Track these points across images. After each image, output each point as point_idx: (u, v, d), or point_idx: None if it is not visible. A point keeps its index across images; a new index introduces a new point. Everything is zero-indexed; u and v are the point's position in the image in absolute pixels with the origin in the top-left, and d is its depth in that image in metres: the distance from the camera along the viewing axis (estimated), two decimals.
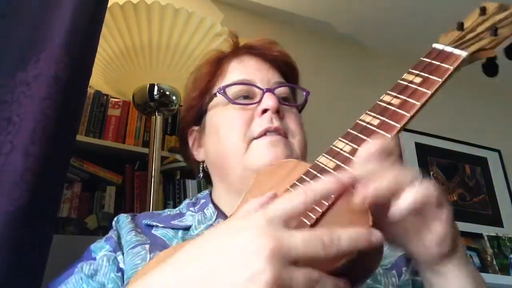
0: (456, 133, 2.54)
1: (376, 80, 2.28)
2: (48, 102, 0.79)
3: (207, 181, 0.76)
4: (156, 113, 1.40)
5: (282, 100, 0.68)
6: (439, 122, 2.43)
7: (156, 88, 1.37)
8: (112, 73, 1.39)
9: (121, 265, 0.59)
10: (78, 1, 0.89)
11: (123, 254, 0.60)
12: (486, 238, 2.30)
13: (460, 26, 0.55)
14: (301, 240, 0.32)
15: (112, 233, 0.65)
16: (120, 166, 1.54)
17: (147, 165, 1.40)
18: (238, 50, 0.74)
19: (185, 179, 1.58)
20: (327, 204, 0.41)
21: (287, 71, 0.75)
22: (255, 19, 2.26)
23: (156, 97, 1.37)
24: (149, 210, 1.29)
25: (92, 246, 0.63)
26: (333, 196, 0.41)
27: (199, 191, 1.55)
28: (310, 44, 2.42)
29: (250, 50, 0.73)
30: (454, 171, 2.53)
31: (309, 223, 0.40)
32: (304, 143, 0.67)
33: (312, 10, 2.31)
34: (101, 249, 0.61)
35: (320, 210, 0.40)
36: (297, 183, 0.46)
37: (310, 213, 0.40)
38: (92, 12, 0.92)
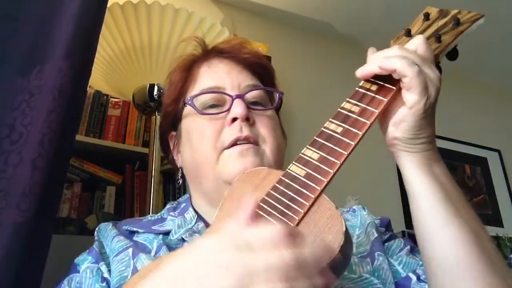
0: (456, 133, 2.54)
1: None
2: (54, 116, 0.81)
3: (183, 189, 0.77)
4: (156, 113, 1.40)
5: (253, 104, 0.68)
6: (438, 122, 2.40)
7: (156, 88, 1.37)
8: (112, 73, 1.39)
9: (105, 275, 0.58)
10: (81, 6, 0.89)
11: (106, 263, 0.60)
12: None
13: (408, 33, 0.58)
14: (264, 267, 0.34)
15: (94, 244, 0.65)
16: (120, 166, 1.54)
17: (147, 165, 1.40)
18: (207, 54, 0.73)
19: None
20: (302, 211, 0.44)
21: (260, 72, 0.73)
22: (255, 19, 2.26)
23: (156, 97, 1.37)
24: (149, 210, 1.29)
25: (76, 260, 0.63)
26: (307, 204, 0.44)
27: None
28: (310, 44, 2.42)
29: (220, 54, 0.72)
30: (454, 171, 2.53)
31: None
32: (276, 148, 0.66)
33: (312, 10, 2.31)
34: (84, 261, 0.61)
35: (297, 218, 0.44)
36: (271, 191, 0.48)
37: (288, 222, 0.44)
38: (94, 15, 0.93)
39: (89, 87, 1.48)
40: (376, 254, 0.61)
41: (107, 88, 1.53)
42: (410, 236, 0.70)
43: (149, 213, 1.27)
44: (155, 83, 1.37)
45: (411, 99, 0.49)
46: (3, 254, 0.72)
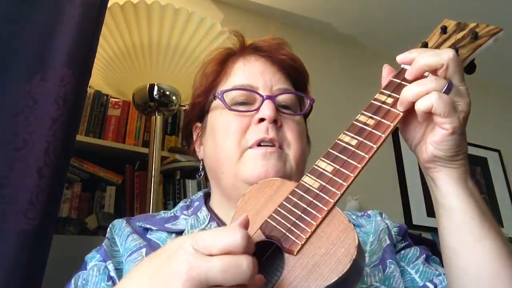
0: None
1: (376, 80, 2.27)
2: (58, 124, 0.81)
3: (207, 180, 0.76)
4: (156, 113, 1.40)
5: (283, 108, 0.67)
6: None
7: (156, 88, 1.37)
8: (112, 73, 1.39)
9: (112, 274, 0.58)
10: (83, 13, 0.89)
11: (115, 262, 0.60)
12: None
13: (425, 46, 0.57)
14: (218, 269, 0.36)
15: (104, 242, 0.64)
16: (120, 166, 1.54)
17: (147, 165, 1.40)
18: (244, 49, 0.73)
19: (185, 179, 1.58)
20: (315, 224, 0.44)
21: (294, 75, 0.72)
22: (255, 19, 2.26)
23: (156, 97, 1.37)
24: (149, 210, 1.29)
25: (86, 257, 0.63)
26: (320, 216, 0.44)
27: (199, 191, 1.56)
28: (310, 44, 2.42)
29: (257, 51, 0.72)
30: None
31: (300, 243, 0.43)
32: (300, 154, 0.65)
33: (312, 10, 2.31)
34: (92, 259, 0.61)
35: (310, 230, 0.43)
36: (284, 203, 0.47)
37: (301, 234, 0.43)
38: (95, 19, 0.93)
39: (89, 87, 1.48)
40: (387, 261, 0.61)
41: (107, 88, 1.54)
42: (411, 236, 0.70)
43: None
44: (155, 83, 1.37)
45: (448, 125, 0.48)
46: (13, 261, 0.73)
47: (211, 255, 0.37)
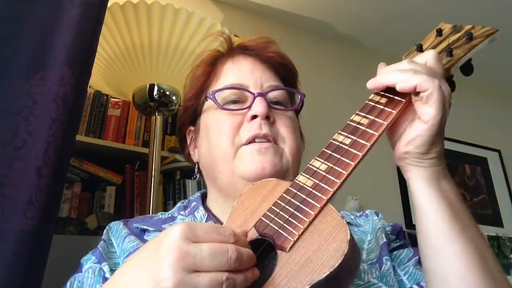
0: (456, 133, 2.54)
1: None
2: (58, 124, 0.81)
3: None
4: (156, 113, 1.40)
5: (274, 104, 0.68)
6: None
7: (156, 88, 1.37)
8: (112, 73, 1.39)
9: (107, 275, 0.58)
10: (83, 12, 0.89)
11: (111, 264, 0.60)
12: (486, 238, 2.30)
13: (420, 48, 0.58)
14: (206, 254, 0.38)
15: (100, 244, 0.64)
16: (120, 166, 1.54)
17: (147, 165, 1.40)
18: (232, 50, 0.73)
19: (185, 179, 1.58)
20: (308, 220, 0.44)
21: (283, 72, 0.73)
22: (255, 19, 2.26)
23: (156, 97, 1.37)
24: (149, 210, 1.29)
25: (82, 259, 0.63)
26: (312, 213, 0.45)
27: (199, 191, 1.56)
28: (310, 44, 2.43)
29: (245, 51, 0.72)
30: (454, 171, 2.53)
31: (292, 240, 0.43)
32: (295, 148, 0.66)
33: (312, 10, 2.31)
34: (87, 261, 0.61)
35: (302, 227, 0.44)
36: (279, 201, 0.48)
37: (293, 230, 0.44)
38: (94, 18, 0.93)
39: (89, 87, 1.48)
40: (384, 259, 0.61)
41: (107, 88, 1.54)
42: (410, 236, 0.70)
43: (149, 213, 1.27)
44: (155, 83, 1.37)
45: (429, 112, 0.48)
46: (13, 261, 0.73)
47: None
